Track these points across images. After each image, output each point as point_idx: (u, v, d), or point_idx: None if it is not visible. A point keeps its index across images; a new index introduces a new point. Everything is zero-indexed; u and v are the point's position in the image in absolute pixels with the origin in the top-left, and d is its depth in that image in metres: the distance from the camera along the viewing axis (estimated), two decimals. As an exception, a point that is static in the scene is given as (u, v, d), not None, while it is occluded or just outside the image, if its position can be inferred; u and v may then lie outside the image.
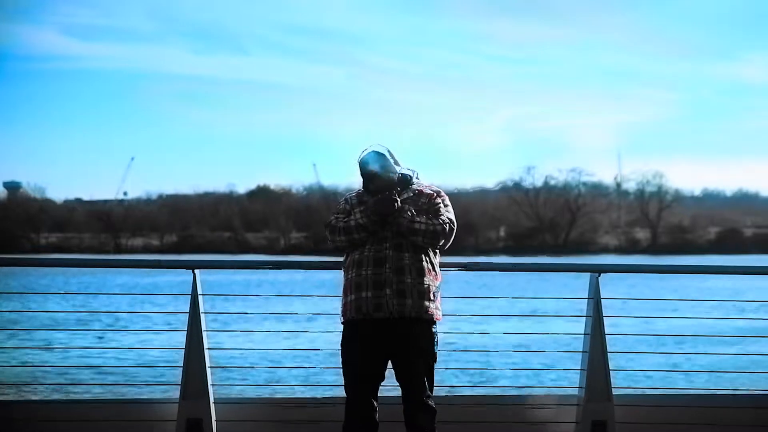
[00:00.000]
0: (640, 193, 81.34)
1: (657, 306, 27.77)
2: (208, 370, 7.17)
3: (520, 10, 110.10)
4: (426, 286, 6.33)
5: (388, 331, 6.24)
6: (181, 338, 7.25)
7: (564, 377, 11.18)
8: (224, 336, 17.11)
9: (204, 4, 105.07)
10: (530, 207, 79.75)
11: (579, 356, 7.34)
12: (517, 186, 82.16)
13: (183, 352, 7.19)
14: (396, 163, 6.61)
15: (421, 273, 6.32)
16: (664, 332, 15.42)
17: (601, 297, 7.22)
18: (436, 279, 6.47)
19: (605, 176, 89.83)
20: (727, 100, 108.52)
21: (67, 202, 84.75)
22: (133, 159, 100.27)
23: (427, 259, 6.40)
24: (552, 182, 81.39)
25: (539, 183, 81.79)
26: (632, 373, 10.58)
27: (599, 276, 7.25)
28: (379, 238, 6.36)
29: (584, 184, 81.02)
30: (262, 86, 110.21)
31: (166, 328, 16.24)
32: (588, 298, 7.30)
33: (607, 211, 79.07)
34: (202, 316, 7.21)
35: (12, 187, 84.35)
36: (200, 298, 7.20)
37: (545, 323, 16.81)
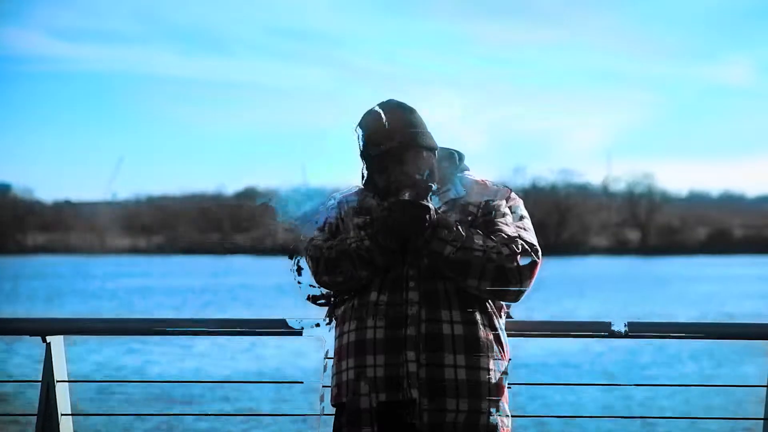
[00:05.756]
0: (629, 195, 79.14)
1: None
2: None
3: (504, 12, 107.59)
4: (485, 372, 3.12)
5: None
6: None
7: None
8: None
9: (189, 6, 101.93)
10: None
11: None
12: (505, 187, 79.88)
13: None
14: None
15: (476, 347, 3.12)
16: None
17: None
18: (504, 356, 3.17)
19: (594, 177, 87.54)
20: (710, 101, 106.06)
21: (56, 203, 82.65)
22: (122, 160, 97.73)
23: (487, 320, 3.17)
24: (541, 183, 79.11)
25: (527, 184, 79.41)
26: None
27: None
28: (396, 280, 3.16)
29: (572, 185, 78.84)
30: (248, 87, 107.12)
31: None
32: None
33: (596, 212, 76.67)
34: (64, 419, 3.78)
35: (1, 188, 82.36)
36: (58, 386, 3.76)
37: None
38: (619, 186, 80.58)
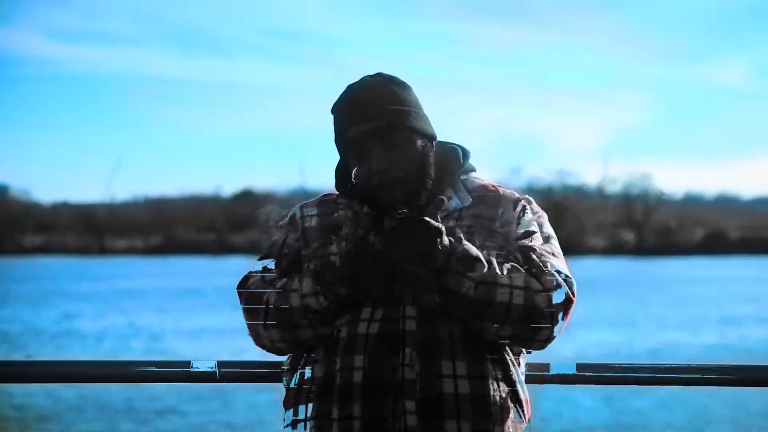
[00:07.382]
0: (625, 196, 78.69)
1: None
2: None
3: (500, 13, 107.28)
4: None
5: None
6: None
7: None
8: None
9: (187, 8, 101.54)
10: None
11: None
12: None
13: None
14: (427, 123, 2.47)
15: (486, 410, 2.31)
16: None
17: None
18: (524, 418, 2.38)
19: (591, 178, 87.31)
20: (707, 103, 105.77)
21: (54, 204, 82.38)
22: (120, 161, 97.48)
23: (501, 372, 2.38)
24: (538, 184, 78.78)
25: (524, 185, 79.10)
26: None
27: None
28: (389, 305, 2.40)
29: (569, 186, 78.46)
30: (246, 88, 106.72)
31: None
32: None
33: (593, 212, 76.25)
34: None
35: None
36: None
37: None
38: (615, 187, 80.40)
